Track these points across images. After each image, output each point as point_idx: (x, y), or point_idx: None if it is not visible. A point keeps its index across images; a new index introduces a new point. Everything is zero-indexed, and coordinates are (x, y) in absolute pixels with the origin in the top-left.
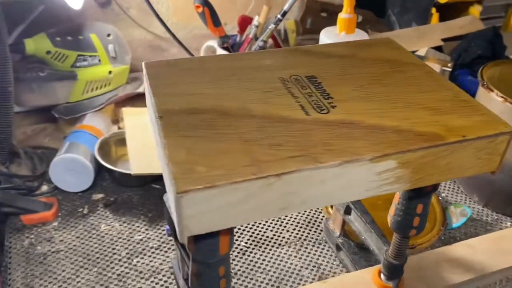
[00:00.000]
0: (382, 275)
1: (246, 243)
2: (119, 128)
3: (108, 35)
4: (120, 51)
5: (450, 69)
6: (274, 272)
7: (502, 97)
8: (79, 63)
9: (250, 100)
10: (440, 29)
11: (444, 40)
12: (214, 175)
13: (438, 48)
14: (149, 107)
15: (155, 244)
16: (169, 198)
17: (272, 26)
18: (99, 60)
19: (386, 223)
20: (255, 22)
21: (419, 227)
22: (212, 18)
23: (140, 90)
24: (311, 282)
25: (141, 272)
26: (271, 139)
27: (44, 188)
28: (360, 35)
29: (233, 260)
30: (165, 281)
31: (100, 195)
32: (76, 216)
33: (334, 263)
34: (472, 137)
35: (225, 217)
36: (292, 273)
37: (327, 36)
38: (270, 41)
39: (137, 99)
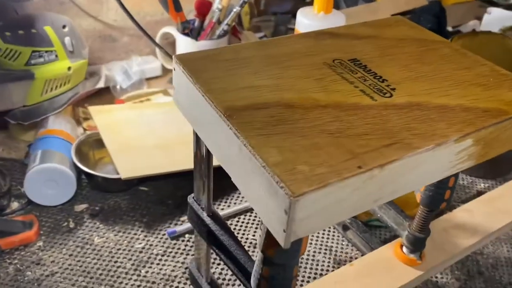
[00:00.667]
0: (404, 249)
1: (253, 236)
2: (84, 129)
3: (64, 26)
4: (77, 44)
5: None
6: None
7: None
8: (34, 60)
9: (310, 89)
10: (389, 5)
11: (393, 15)
12: (321, 174)
13: None
14: (193, 106)
15: (160, 250)
16: (262, 203)
17: (237, 8)
18: (56, 56)
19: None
20: (218, 5)
21: (449, 199)
22: (174, 3)
23: (100, 85)
24: (328, 265)
25: (153, 282)
26: (354, 129)
27: (15, 205)
28: (337, 15)
29: None
30: None
31: (83, 205)
32: (62, 232)
33: (344, 243)
34: None
35: (329, 216)
36: (308, 259)
37: (305, 17)
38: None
39: (94, 95)
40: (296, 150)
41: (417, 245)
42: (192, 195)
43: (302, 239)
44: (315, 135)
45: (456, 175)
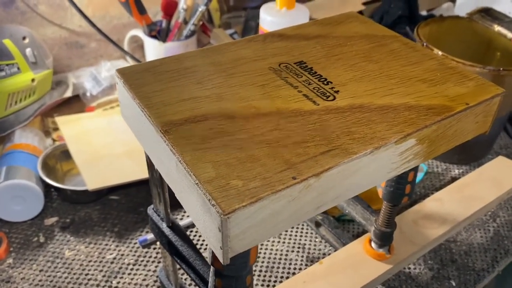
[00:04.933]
0: (373, 244)
1: None
2: (53, 140)
3: (24, 38)
4: (40, 55)
5: None
6: (263, 262)
7: (443, 55)
8: None
9: (252, 97)
10: None
11: (364, 4)
12: (253, 188)
13: (359, 13)
14: (136, 120)
15: (131, 260)
16: (200, 219)
17: (202, 7)
18: (18, 68)
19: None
20: (182, 5)
21: (410, 193)
22: (137, 6)
23: (67, 94)
24: (300, 264)
25: None
26: (293, 137)
27: None
28: (301, 10)
29: None
30: None
31: (53, 219)
32: (32, 247)
33: (317, 240)
34: (474, 103)
35: (267, 229)
36: (280, 258)
37: (267, 13)
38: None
39: (65, 104)
40: (232, 164)
41: (384, 239)
42: (152, 206)
43: (250, 250)
44: (253, 146)
45: (415, 170)
